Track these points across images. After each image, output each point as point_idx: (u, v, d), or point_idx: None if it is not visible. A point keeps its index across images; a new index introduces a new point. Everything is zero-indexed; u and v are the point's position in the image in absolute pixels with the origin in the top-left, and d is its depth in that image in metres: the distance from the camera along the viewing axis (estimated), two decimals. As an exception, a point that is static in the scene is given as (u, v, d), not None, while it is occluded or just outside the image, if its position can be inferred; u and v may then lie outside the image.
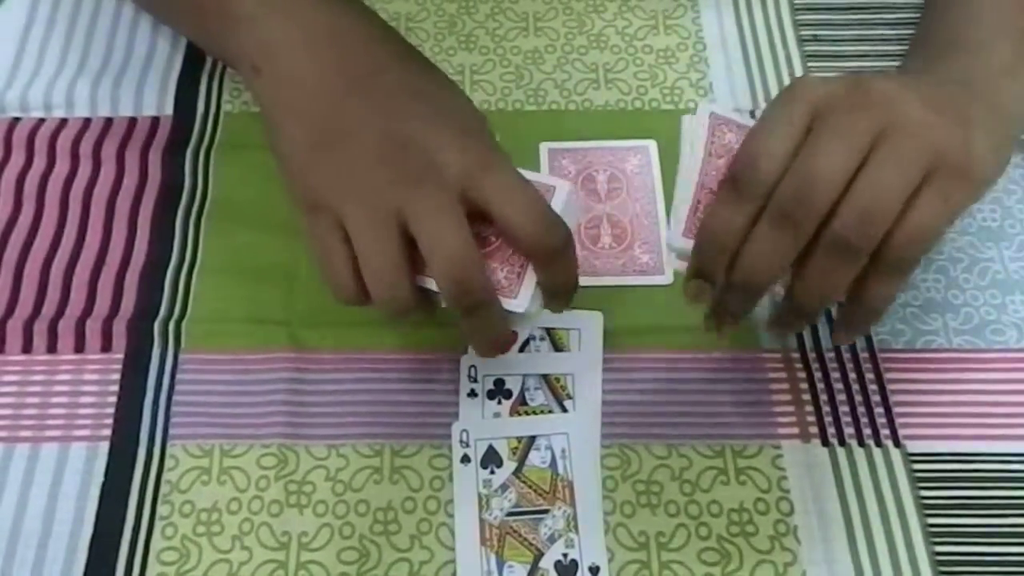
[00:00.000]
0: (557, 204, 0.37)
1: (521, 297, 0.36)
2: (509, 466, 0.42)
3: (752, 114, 0.52)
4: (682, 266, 0.38)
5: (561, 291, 0.38)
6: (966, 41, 0.43)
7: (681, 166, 0.36)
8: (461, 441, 0.42)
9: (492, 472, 0.41)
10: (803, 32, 0.56)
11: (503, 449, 0.42)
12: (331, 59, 0.40)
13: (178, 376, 0.44)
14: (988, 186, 0.37)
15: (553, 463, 0.42)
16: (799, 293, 0.36)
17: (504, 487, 0.41)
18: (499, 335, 0.39)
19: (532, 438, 0.42)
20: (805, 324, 0.40)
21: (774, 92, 0.53)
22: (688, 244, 0.36)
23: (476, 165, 0.36)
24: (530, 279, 0.37)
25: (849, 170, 0.34)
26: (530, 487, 0.41)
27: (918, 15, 0.55)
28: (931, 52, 0.45)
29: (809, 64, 0.54)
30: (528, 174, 0.38)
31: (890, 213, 0.34)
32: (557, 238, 0.36)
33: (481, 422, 0.43)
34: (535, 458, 0.42)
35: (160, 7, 0.53)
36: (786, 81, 0.54)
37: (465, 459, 0.42)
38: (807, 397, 0.44)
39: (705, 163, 0.36)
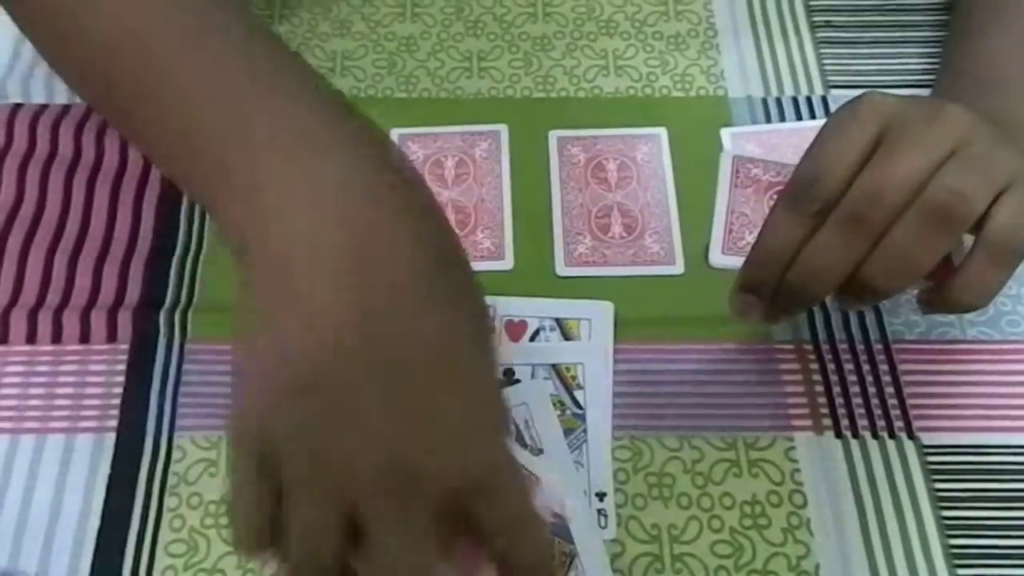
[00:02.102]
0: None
1: None
2: None
3: (764, 102, 0.52)
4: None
5: None
6: (998, 79, 0.43)
7: (716, 200, 0.40)
8: None
9: None
10: (816, 18, 0.55)
11: None
12: (343, 283, 0.29)
13: (185, 367, 0.44)
14: None
15: (519, 435, 0.41)
16: (874, 269, 0.34)
17: None
18: None
19: None
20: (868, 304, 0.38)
21: (786, 79, 0.53)
22: (727, 261, 0.38)
23: (476, 484, 0.29)
24: None
25: (927, 174, 0.33)
26: None
27: (934, 1, 0.54)
28: (963, 87, 0.44)
29: (822, 51, 0.54)
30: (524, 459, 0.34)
31: (981, 195, 0.33)
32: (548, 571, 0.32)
33: None
34: None
35: (129, 126, 0.38)
36: (798, 67, 0.53)
37: None
38: (820, 389, 0.43)
39: (732, 193, 0.40)
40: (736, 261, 0.38)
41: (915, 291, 0.39)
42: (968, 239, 0.36)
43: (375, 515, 0.28)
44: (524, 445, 0.41)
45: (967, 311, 0.37)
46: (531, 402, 0.42)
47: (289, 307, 0.29)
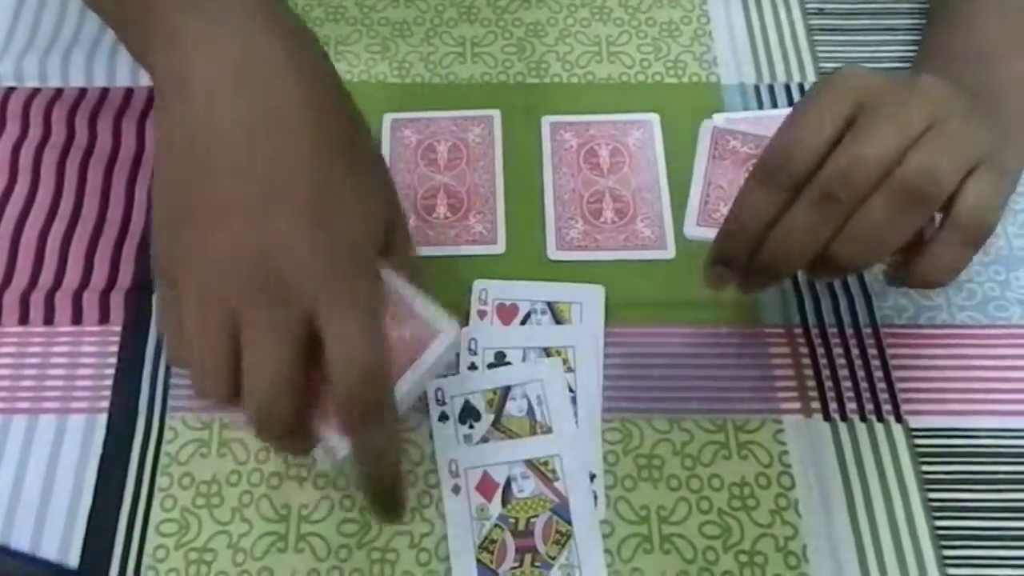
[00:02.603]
0: (433, 352, 0.34)
1: (339, 440, 0.33)
2: (487, 418, 0.42)
3: (756, 89, 0.52)
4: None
5: (366, 462, 0.34)
6: (983, 51, 0.43)
7: (693, 170, 0.40)
8: (437, 400, 0.42)
9: (471, 427, 0.42)
10: (808, 5, 0.55)
11: (480, 403, 0.42)
12: (232, 122, 0.34)
13: (177, 348, 0.44)
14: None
15: (530, 411, 0.42)
16: (844, 247, 0.35)
17: (484, 439, 0.41)
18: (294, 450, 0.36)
19: (507, 388, 0.42)
20: (832, 279, 0.38)
21: (779, 66, 0.53)
22: (701, 232, 0.38)
23: (327, 296, 0.32)
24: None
25: (898, 153, 0.33)
26: (510, 436, 0.41)
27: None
28: (948, 62, 0.44)
29: (815, 37, 0.54)
30: (420, 306, 0.34)
31: (951, 177, 0.33)
32: (367, 400, 0.32)
33: (454, 379, 0.43)
34: (512, 408, 0.42)
35: None
36: (791, 55, 0.53)
37: (443, 417, 0.42)
38: (809, 372, 0.43)
39: (710, 164, 0.40)
40: (710, 233, 0.38)
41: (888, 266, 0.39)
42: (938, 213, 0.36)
43: (246, 322, 0.32)
44: (534, 420, 0.42)
45: (933, 287, 0.37)
46: (545, 380, 0.42)
47: (182, 142, 0.34)
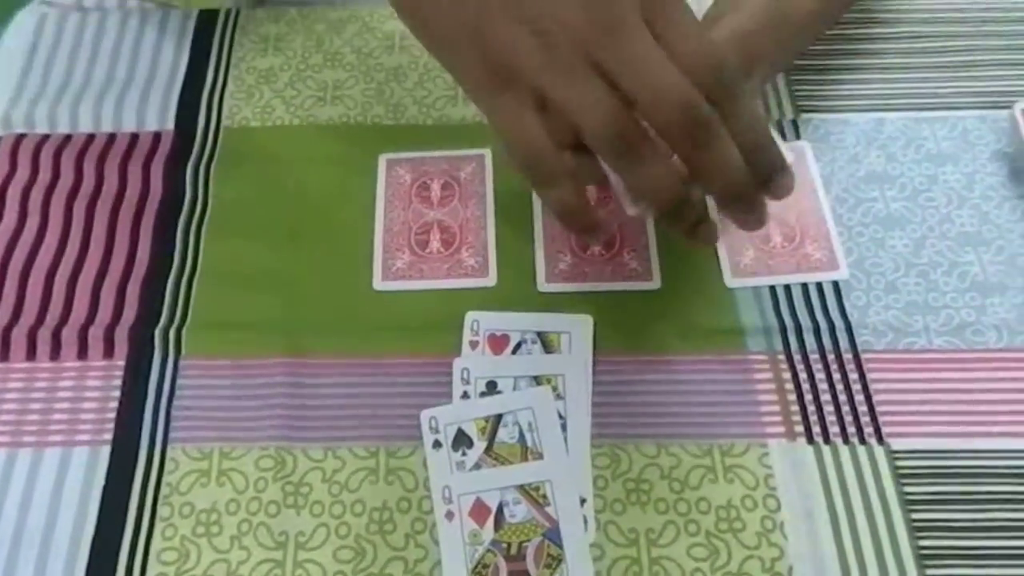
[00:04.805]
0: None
1: None
2: (480, 446, 0.43)
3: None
4: None
5: (715, 189, 0.36)
6: None
7: None
8: (431, 427, 0.43)
9: (464, 454, 0.43)
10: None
11: (472, 430, 0.43)
12: None
13: (178, 381, 0.45)
14: None
15: (521, 437, 0.43)
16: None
17: (477, 466, 0.42)
18: (672, 186, 0.36)
19: (499, 416, 0.44)
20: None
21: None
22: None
23: (598, 28, 0.33)
24: None
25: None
26: (501, 462, 0.42)
27: (895, 31, 0.57)
28: None
29: (792, 76, 0.56)
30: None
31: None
32: (692, 113, 0.31)
33: (448, 407, 0.44)
34: (504, 434, 0.43)
35: None
36: (769, 92, 0.55)
37: (436, 444, 0.43)
38: (792, 397, 0.45)
39: None
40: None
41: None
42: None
43: (606, 49, 0.33)
44: (525, 446, 0.43)
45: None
46: (536, 407, 0.44)
47: None
